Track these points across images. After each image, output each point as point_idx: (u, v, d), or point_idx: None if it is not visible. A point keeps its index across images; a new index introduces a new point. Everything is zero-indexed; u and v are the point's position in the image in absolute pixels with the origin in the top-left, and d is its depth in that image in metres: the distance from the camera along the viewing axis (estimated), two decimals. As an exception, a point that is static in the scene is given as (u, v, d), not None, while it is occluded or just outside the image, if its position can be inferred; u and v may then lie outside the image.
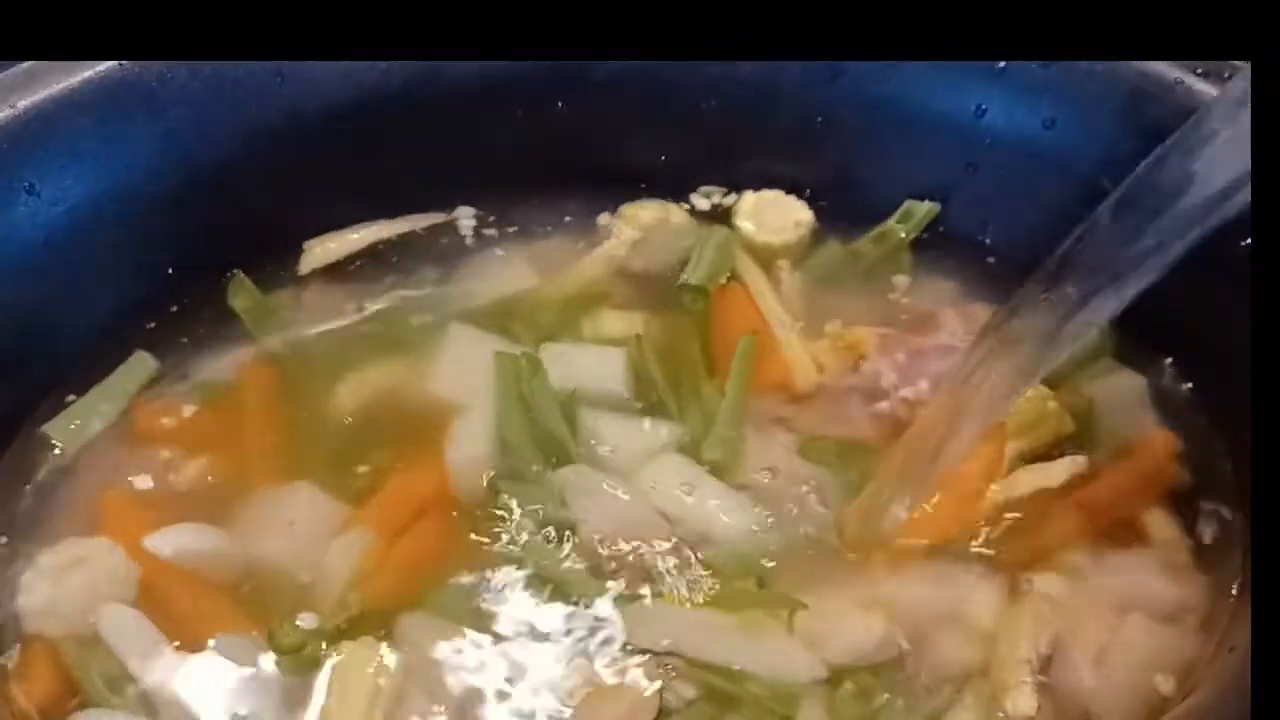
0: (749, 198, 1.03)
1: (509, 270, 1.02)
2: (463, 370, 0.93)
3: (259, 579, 0.82)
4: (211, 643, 0.78)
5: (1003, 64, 0.90)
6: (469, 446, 0.88)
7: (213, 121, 0.91)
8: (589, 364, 0.93)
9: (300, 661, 0.77)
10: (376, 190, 1.00)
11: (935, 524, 0.80)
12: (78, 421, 0.90)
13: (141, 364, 0.93)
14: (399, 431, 0.90)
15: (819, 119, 0.98)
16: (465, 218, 1.03)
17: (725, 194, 1.04)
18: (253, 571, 0.82)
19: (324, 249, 1.00)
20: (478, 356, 0.93)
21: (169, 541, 0.83)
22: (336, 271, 1.00)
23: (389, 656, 0.76)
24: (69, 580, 0.81)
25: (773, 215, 1.02)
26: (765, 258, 1.01)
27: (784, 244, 1.00)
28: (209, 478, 0.88)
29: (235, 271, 0.97)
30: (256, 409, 0.92)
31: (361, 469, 0.88)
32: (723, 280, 0.97)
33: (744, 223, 1.01)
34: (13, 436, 0.89)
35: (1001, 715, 0.72)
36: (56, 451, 0.89)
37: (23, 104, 0.85)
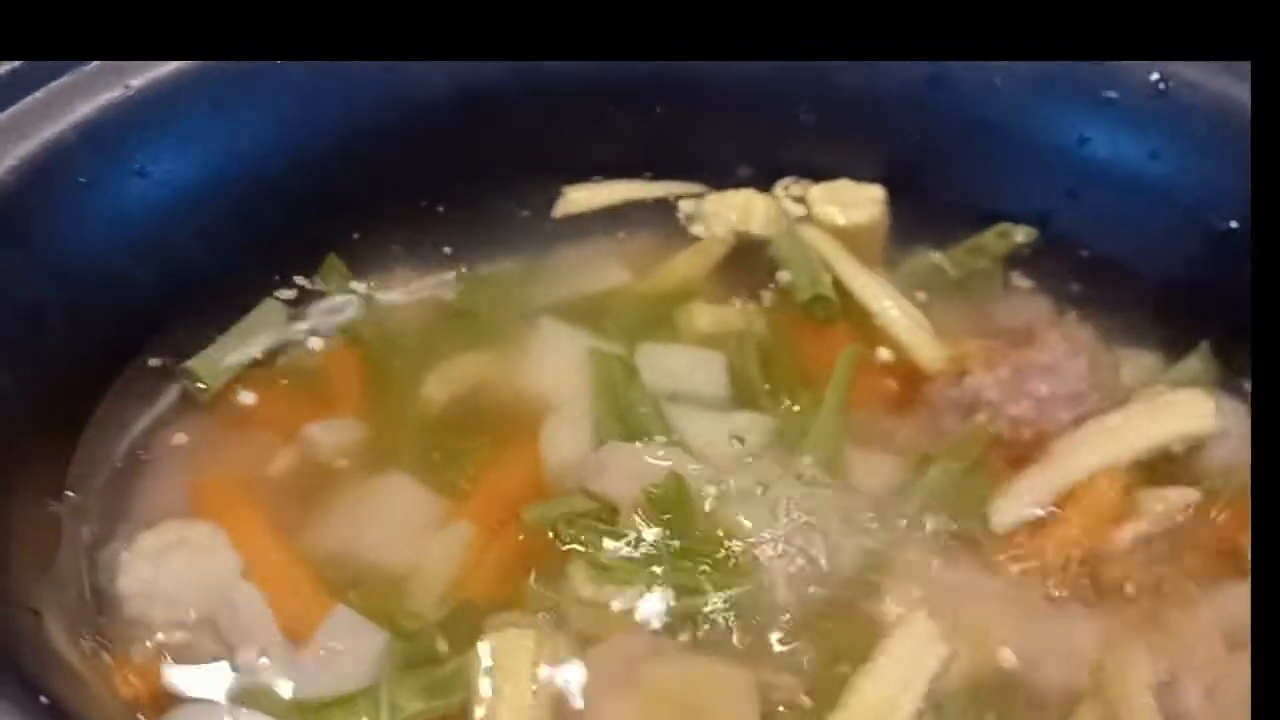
0: (818, 187, 1.03)
1: (596, 263, 1.02)
2: (556, 368, 0.93)
3: (357, 571, 0.82)
4: (319, 634, 0.78)
5: (1112, 94, 0.92)
6: (565, 447, 0.88)
7: (319, 111, 0.91)
8: (687, 366, 0.93)
9: (416, 649, 0.76)
10: (469, 182, 1.00)
11: (1051, 549, 0.81)
12: (218, 357, 0.91)
13: (274, 310, 0.94)
14: (493, 426, 0.90)
15: (917, 136, 0.99)
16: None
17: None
18: (350, 563, 0.82)
19: (579, 196, 1.02)
20: (571, 354, 0.93)
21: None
22: (424, 258, 1.00)
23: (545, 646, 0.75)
24: (171, 563, 0.80)
25: (846, 195, 1.02)
26: (851, 240, 1.01)
27: (868, 221, 1.01)
28: (302, 465, 0.88)
29: (329, 254, 0.97)
30: (347, 396, 0.92)
31: (457, 462, 0.87)
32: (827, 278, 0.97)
33: (824, 207, 1.02)
34: (94, 408, 0.88)
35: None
36: (138, 429, 0.89)
37: (137, 83, 0.84)
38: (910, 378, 0.93)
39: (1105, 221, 0.96)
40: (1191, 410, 0.87)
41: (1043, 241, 1.00)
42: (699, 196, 1.04)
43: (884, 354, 0.95)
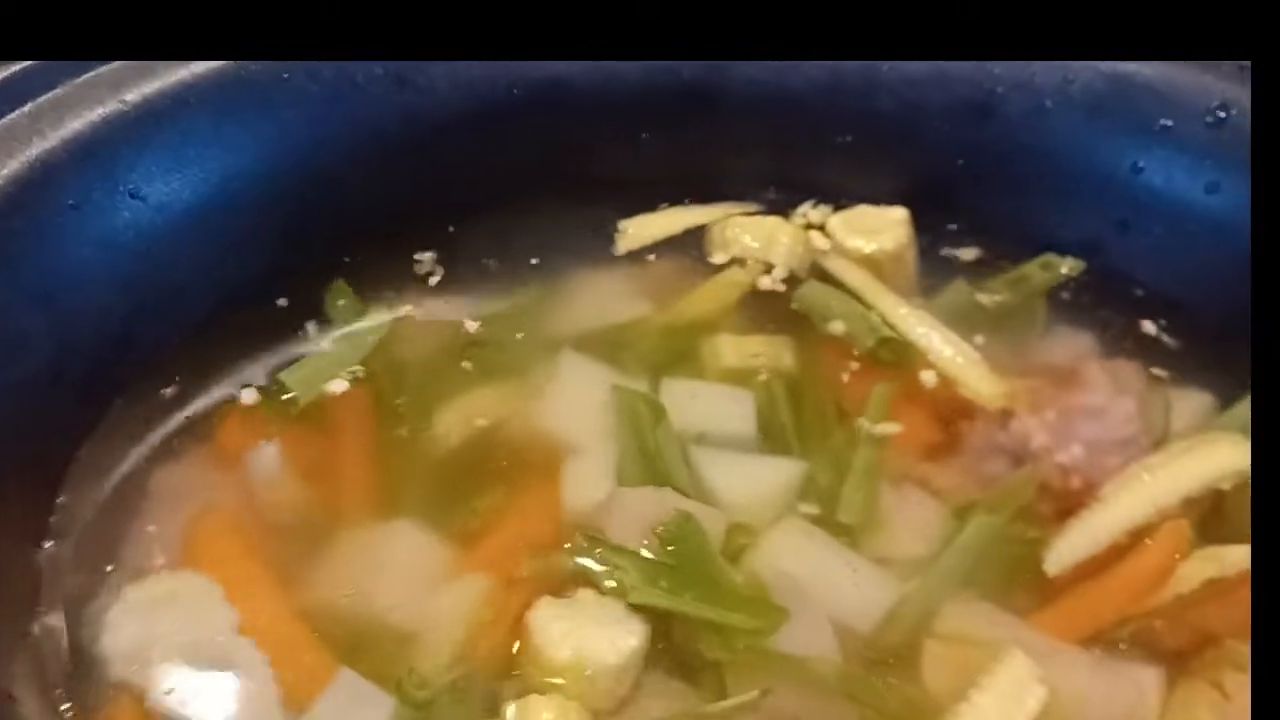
0: (838, 216, 0.98)
1: (617, 292, 0.97)
2: (577, 405, 0.88)
3: (362, 629, 0.76)
4: (322, 702, 0.72)
5: (1168, 121, 0.87)
6: (587, 491, 0.82)
7: (325, 129, 0.86)
8: (715, 405, 0.87)
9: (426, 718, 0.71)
10: (488, 201, 0.94)
11: (1105, 608, 0.77)
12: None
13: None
14: (509, 467, 0.85)
15: (960, 161, 0.93)
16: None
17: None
18: (355, 620, 0.76)
19: (638, 231, 0.98)
20: (592, 390, 0.88)
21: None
22: (438, 286, 0.95)
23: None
24: (160, 620, 0.74)
25: (869, 221, 0.97)
26: (878, 270, 0.95)
27: (895, 247, 0.95)
28: (303, 508, 0.82)
29: (337, 281, 0.91)
30: (353, 432, 0.86)
31: (470, 507, 0.82)
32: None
33: (849, 235, 0.96)
34: (80, 445, 0.82)
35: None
36: (127, 468, 0.83)
37: (132, 98, 0.79)
38: (951, 418, 0.88)
39: (1157, 255, 0.91)
40: (1235, 450, 0.81)
41: (1089, 275, 0.95)
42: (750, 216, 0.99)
43: (923, 391, 0.89)
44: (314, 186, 0.86)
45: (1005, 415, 0.85)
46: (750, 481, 0.84)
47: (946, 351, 0.91)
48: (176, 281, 0.83)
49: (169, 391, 0.85)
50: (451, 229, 0.95)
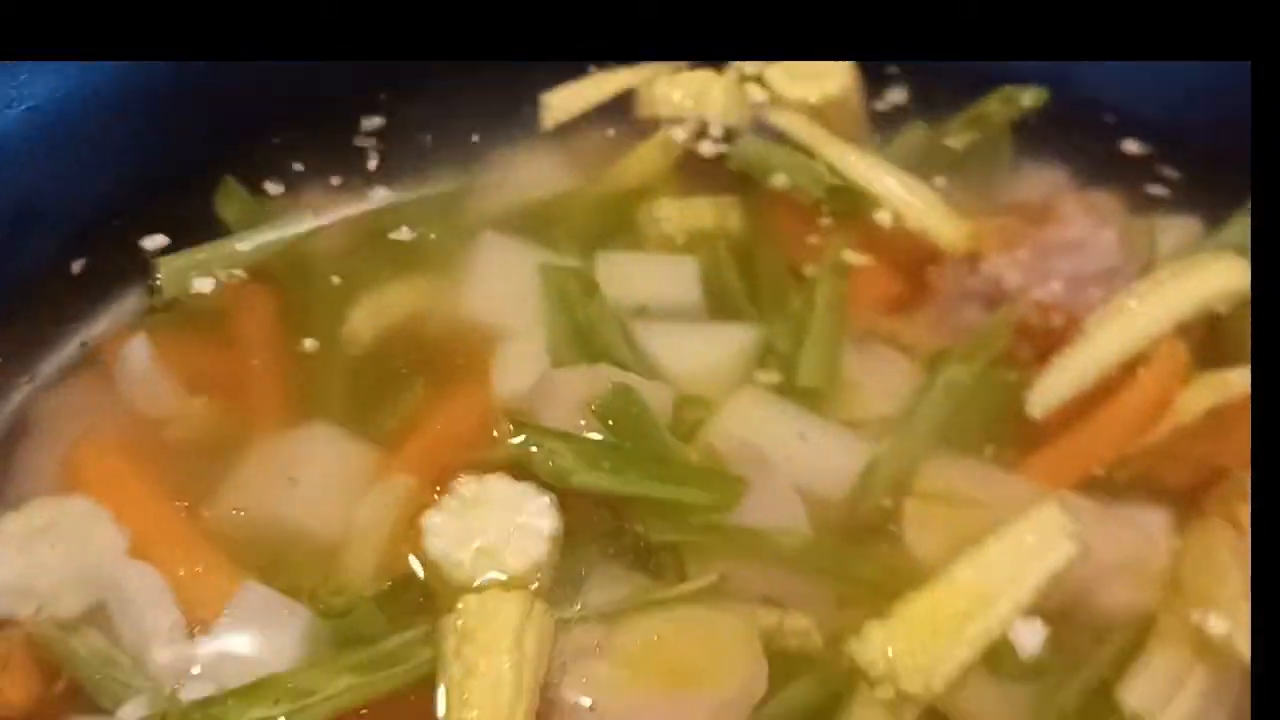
0: (776, 66, 0.89)
1: (540, 169, 0.88)
2: (502, 289, 0.79)
3: (276, 543, 0.68)
4: (226, 618, 0.64)
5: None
6: (517, 378, 0.74)
7: None
8: (656, 274, 0.79)
9: (347, 627, 0.63)
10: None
11: (1100, 449, 0.69)
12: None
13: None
14: (431, 361, 0.76)
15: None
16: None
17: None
18: (268, 534, 0.68)
19: (563, 103, 0.89)
20: (519, 271, 0.79)
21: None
22: (336, 172, 0.85)
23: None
24: (41, 549, 0.66)
25: (808, 69, 0.89)
26: (825, 120, 0.87)
27: (840, 92, 0.87)
28: (204, 422, 0.74)
29: (225, 177, 0.82)
30: (255, 337, 0.77)
31: (391, 407, 0.74)
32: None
33: (789, 86, 0.88)
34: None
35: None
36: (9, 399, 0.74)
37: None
38: (915, 267, 0.80)
39: (1131, 79, 0.83)
40: (1230, 269, 0.75)
41: (1056, 106, 0.86)
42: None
43: (882, 240, 0.81)
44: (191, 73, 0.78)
45: (974, 258, 0.77)
46: (699, 352, 0.76)
47: (904, 196, 0.82)
48: (58, 190, 0.75)
49: (48, 304, 0.77)
50: (359, 119, 0.87)
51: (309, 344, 0.77)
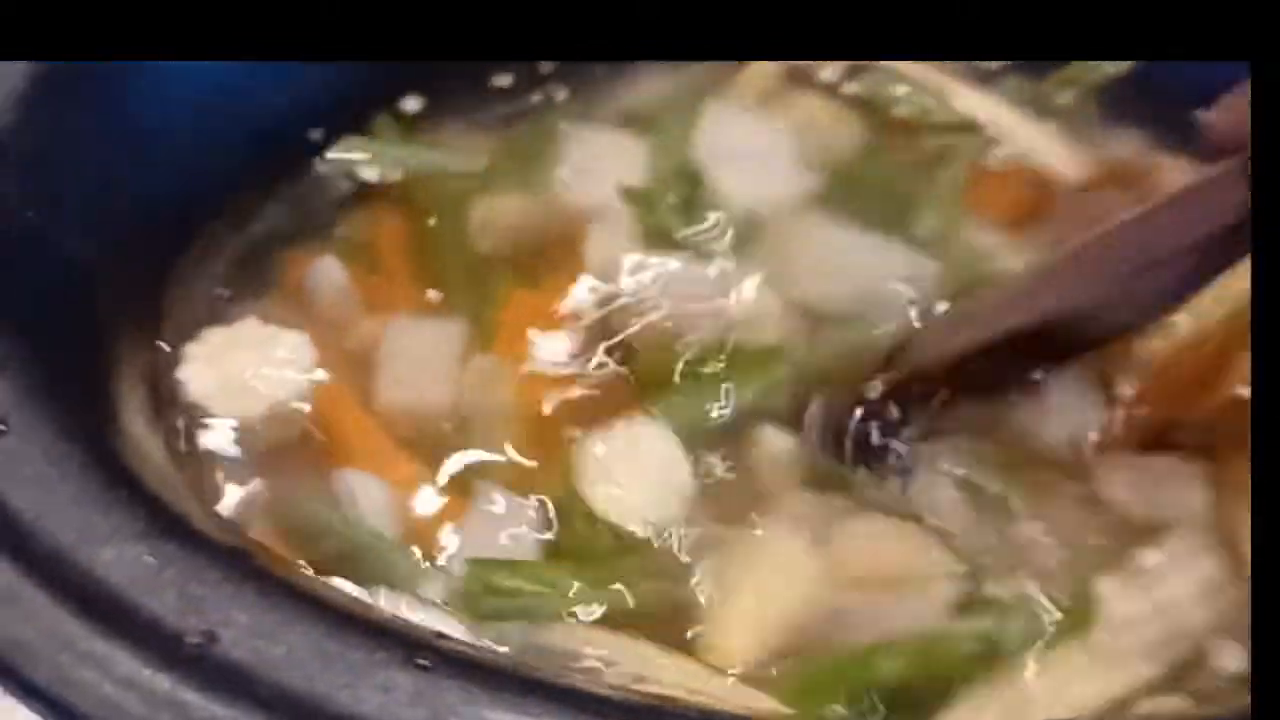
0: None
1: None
2: (596, 173, 0.89)
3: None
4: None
5: None
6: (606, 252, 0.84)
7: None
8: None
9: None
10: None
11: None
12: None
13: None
14: (533, 251, 0.87)
15: None
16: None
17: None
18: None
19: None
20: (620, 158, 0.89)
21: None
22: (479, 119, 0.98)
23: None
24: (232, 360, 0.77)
25: None
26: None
27: None
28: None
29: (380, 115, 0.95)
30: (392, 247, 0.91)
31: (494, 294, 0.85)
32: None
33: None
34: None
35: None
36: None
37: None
38: (1032, 202, 0.86)
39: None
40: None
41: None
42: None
43: (1000, 173, 0.88)
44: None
45: (1092, 188, 0.83)
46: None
47: (1023, 130, 0.89)
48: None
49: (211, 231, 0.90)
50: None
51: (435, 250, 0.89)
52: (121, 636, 0.53)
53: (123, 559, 0.56)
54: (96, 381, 0.71)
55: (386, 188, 0.94)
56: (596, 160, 0.90)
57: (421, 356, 0.82)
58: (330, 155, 0.93)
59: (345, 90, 0.93)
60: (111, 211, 0.80)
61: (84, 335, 0.74)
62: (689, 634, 0.68)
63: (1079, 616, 0.67)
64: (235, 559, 0.59)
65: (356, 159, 0.93)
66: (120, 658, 0.52)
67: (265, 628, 0.54)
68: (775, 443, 0.75)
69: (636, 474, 0.73)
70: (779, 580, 0.68)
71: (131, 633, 0.53)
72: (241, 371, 0.77)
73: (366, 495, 0.75)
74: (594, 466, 0.73)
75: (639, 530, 0.71)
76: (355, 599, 0.66)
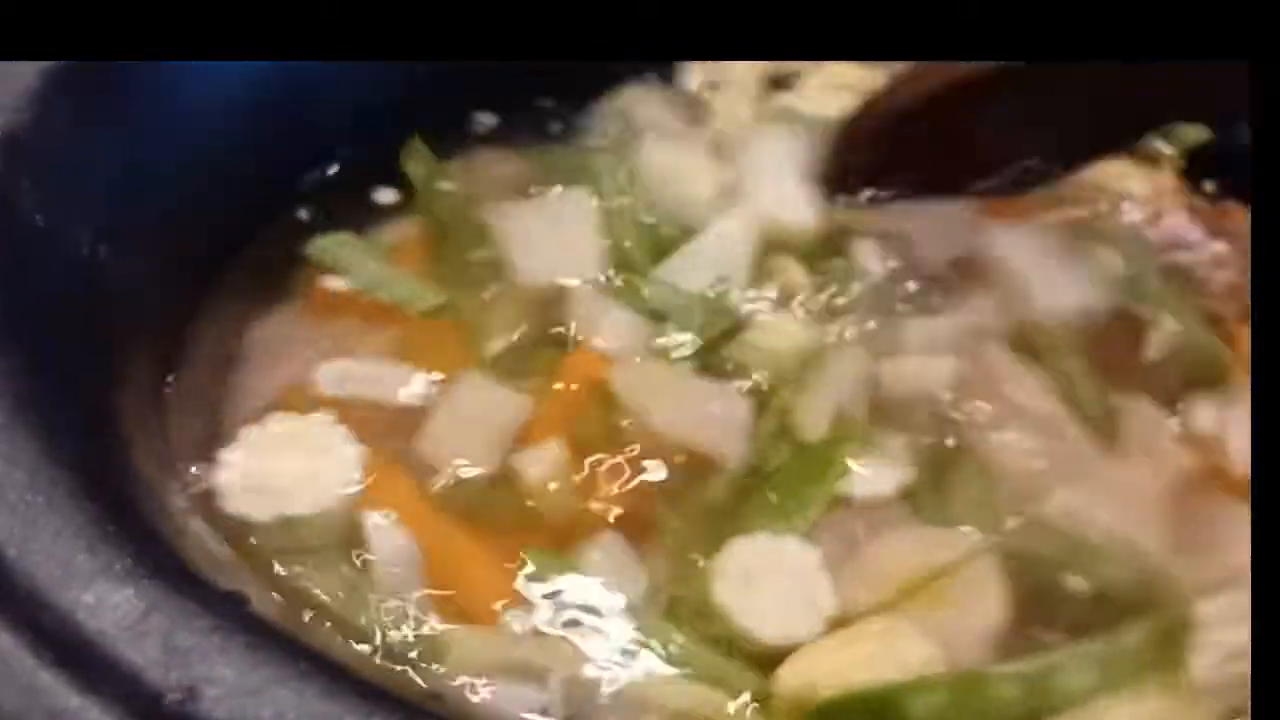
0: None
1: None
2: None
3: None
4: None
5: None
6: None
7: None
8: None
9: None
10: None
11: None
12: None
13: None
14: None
15: None
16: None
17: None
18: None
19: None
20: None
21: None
22: (510, 144, 0.96)
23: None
24: (282, 455, 0.72)
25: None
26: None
27: None
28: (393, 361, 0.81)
29: (412, 136, 0.92)
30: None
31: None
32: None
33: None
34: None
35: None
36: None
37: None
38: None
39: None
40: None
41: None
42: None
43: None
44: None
45: (1157, 213, 0.86)
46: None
47: None
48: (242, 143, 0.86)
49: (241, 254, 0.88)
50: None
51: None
52: (96, 692, 0.48)
53: (105, 603, 0.51)
54: (101, 405, 0.67)
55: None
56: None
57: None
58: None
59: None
60: (129, 216, 0.76)
61: (91, 350, 0.69)
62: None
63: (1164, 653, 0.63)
64: (227, 605, 0.54)
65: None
66: (93, 715, 0.47)
67: (253, 684, 0.50)
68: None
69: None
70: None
71: (107, 687, 0.48)
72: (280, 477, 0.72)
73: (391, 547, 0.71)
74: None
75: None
76: (354, 655, 0.62)
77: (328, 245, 0.86)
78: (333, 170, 0.94)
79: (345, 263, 0.85)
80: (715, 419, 0.76)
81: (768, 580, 0.68)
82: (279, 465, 0.73)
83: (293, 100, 0.88)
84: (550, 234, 0.87)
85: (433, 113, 0.93)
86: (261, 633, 0.53)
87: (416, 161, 0.93)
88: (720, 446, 0.75)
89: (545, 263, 0.85)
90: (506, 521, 0.73)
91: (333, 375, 0.80)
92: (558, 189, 0.90)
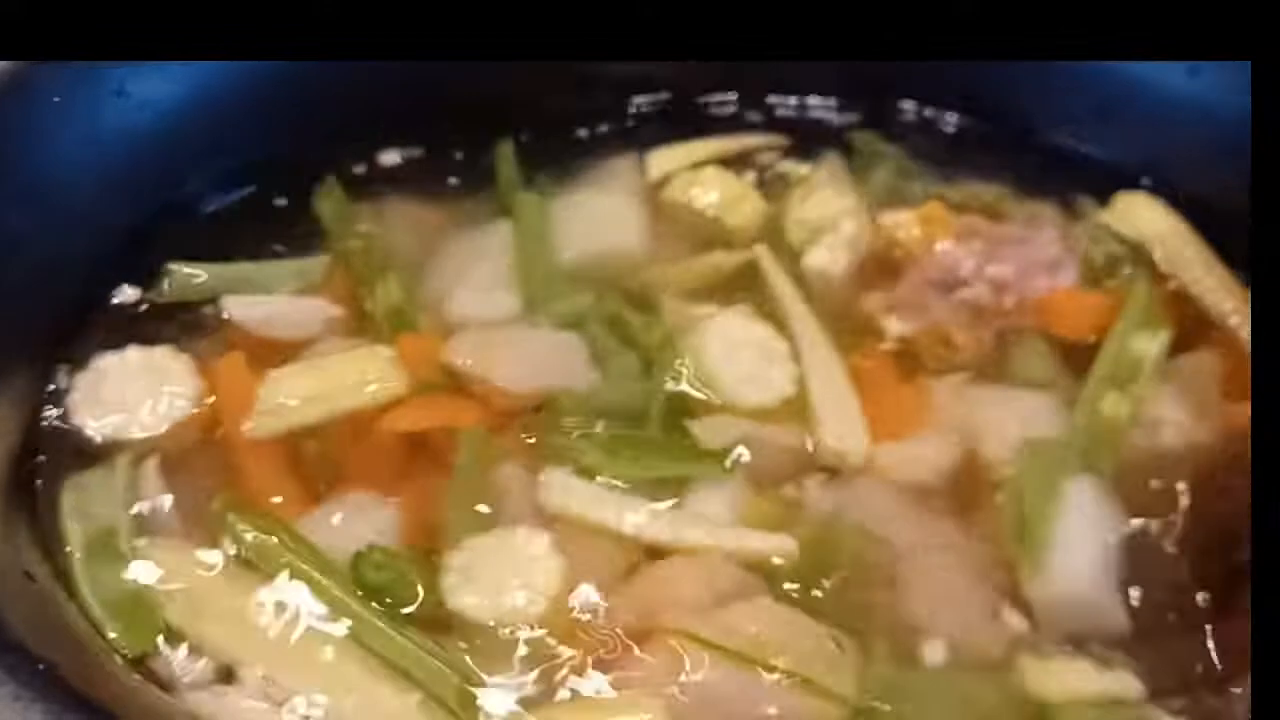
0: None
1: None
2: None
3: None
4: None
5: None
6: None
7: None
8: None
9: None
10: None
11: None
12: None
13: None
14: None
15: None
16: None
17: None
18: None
19: (668, 157, 0.98)
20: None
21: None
22: (419, 189, 0.97)
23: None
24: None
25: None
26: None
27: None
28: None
29: (326, 176, 0.94)
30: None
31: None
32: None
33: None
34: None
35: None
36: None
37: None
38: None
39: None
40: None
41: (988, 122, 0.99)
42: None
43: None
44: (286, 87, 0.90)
45: (930, 247, 0.88)
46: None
47: None
48: (160, 180, 0.88)
49: (155, 292, 0.87)
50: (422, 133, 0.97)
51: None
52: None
53: None
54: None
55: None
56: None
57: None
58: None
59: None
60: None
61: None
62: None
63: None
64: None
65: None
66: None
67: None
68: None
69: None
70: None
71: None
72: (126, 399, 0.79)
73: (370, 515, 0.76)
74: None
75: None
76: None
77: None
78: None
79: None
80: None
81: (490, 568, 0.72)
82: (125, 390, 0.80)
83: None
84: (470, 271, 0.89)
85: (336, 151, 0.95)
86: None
87: (330, 203, 0.94)
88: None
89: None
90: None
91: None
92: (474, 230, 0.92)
